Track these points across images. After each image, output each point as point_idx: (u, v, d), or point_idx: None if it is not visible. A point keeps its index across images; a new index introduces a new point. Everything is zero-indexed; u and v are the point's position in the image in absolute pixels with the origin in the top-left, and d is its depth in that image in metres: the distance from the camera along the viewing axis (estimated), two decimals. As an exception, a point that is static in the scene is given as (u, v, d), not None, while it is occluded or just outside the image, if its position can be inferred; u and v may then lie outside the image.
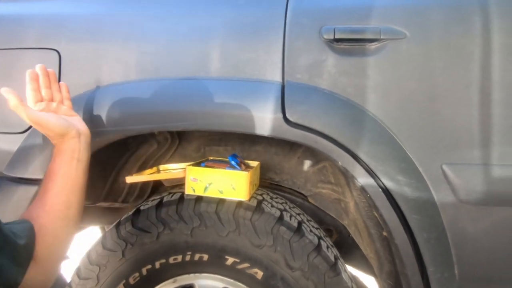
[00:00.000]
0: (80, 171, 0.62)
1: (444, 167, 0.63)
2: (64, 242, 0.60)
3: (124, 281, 0.75)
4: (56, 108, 0.65)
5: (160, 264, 0.74)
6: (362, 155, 0.65)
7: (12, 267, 0.49)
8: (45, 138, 0.71)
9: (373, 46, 0.66)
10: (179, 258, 0.74)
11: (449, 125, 0.64)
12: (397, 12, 0.66)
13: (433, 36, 0.64)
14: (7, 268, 0.48)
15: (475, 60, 0.62)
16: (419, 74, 0.64)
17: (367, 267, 1.03)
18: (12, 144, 0.72)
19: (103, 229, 1.44)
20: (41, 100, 0.64)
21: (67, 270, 0.81)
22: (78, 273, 0.76)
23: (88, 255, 0.76)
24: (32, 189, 0.70)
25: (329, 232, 1.01)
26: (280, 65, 0.68)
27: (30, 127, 0.72)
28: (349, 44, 0.66)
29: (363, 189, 0.66)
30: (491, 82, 0.62)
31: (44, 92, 0.64)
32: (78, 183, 0.62)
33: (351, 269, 1.06)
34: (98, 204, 0.89)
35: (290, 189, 0.97)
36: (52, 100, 0.66)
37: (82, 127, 0.65)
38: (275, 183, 0.96)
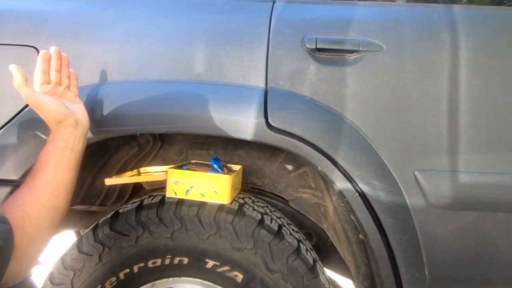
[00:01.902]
0: (72, 162, 0.61)
1: (416, 173, 0.67)
2: (46, 233, 0.57)
3: (100, 286, 0.72)
4: (61, 92, 0.64)
5: (139, 268, 0.73)
6: (340, 161, 0.67)
7: None
8: (19, 138, 0.68)
9: (352, 57, 0.69)
10: (158, 261, 0.73)
11: (420, 134, 0.68)
12: (375, 26, 0.70)
13: (406, 50, 0.69)
14: None
15: (444, 73, 0.67)
16: (393, 85, 0.68)
17: (345, 270, 1.06)
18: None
19: (78, 233, 1.38)
20: (49, 83, 0.63)
21: (39, 276, 0.77)
22: (51, 278, 0.73)
23: (62, 259, 0.74)
24: (4, 190, 0.67)
25: (308, 236, 1.03)
26: (263, 71, 0.70)
27: (3, 126, 0.70)
28: (330, 54, 0.69)
29: (341, 193, 0.69)
30: (458, 94, 0.67)
31: (53, 75, 0.63)
32: (69, 174, 0.60)
33: (329, 272, 1.08)
34: (74, 207, 0.86)
35: (272, 193, 0.98)
36: (59, 84, 0.65)
37: (82, 116, 0.64)
38: (257, 187, 0.97)
